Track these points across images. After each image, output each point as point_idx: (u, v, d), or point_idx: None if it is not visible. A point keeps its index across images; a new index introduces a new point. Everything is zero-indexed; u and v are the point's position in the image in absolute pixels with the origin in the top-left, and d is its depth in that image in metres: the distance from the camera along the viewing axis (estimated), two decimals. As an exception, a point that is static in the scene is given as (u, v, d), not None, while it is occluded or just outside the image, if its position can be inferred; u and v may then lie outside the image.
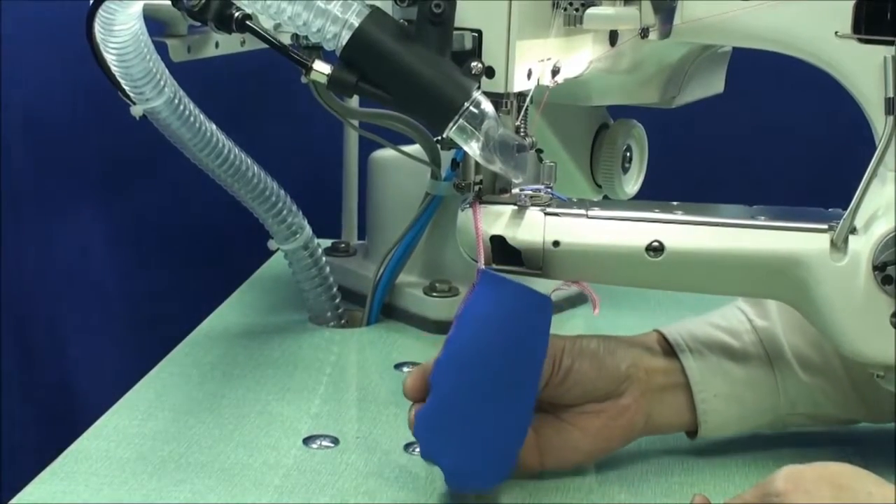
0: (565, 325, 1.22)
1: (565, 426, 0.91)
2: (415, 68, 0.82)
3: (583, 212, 0.86)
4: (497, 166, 0.83)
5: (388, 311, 1.22)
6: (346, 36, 0.82)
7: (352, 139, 1.40)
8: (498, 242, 0.86)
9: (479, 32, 0.84)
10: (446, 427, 0.84)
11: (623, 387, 0.91)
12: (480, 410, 0.83)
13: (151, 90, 1.02)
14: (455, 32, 0.83)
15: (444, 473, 0.85)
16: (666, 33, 0.89)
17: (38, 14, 1.45)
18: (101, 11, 0.92)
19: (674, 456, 0.95)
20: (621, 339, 0.94)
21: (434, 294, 1.20)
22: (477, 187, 0.87)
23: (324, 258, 1.20)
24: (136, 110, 1.03)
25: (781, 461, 0.92)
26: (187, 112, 1.05)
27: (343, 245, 1.34)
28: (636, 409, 0.91)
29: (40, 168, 1.52)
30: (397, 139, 1.16)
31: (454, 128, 0.82)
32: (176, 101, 1.04)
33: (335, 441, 0.96)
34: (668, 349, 0.94)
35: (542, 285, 0.86)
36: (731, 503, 0.77)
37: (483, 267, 0.84)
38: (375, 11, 0.83)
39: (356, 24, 0.82)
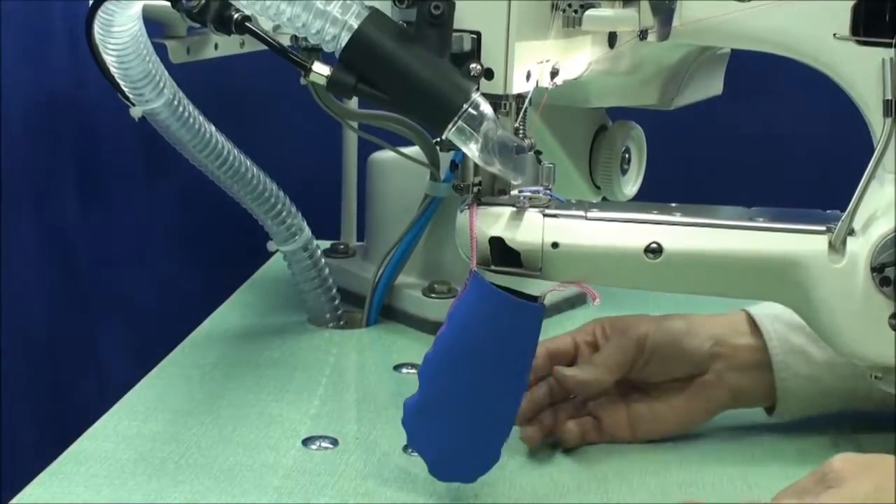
0: (565, 326, 1.21)
1: (653, 401, 0.98)
2: (414, 70, 0.82)
3: (581, 213, 0.86)
4: (496, 168, 0.83)
5: (387, 312, 1.22)
6: (345, 37, 0.82)
7: (351, 141, 1.40)
8: (497, 244, 0.86)
9: (478, 34, 0.84)
10: (430, 419, 0.86)
11: (707, 364, 0.97)
12: (463, 407, 0.85)
13: (151, 91, 1.01)
14: (454, 34, 0.83)
15: (426, 463, 0.87)
16: (665, 35, 0.89)
17: (43, 13, 1.45)
18: (100, 13, 0.92)
19: (672, 454, 0.95)
20: (707, 317, 0.99)
21: (433, 295, 1.20)
22: (476, 189, 0.86)
23: (323, 259, 1.20)
24: (136, 112, 1.02)
25: (778, 458, 0.93)
26: (186, 113, 1.05)
27: (342, 246, 1.34)
28: (719, 385, 0.97)
29: (39, 169, 1.51)
30: (396, 141, 1.16)
31: (453, 129, 0.82)
32: (175, 102, 1.04)
33: (334, 442, 0.96)
34: (755, 329, 0.98)
35: (539, 285, 0.86)
36: (787, 490, 0.79)
37: (475, 269, 0.85)
38: (374, 13, 0.83)
39: (355, 26, 0.82)
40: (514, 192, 0.86)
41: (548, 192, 0.86)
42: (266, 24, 0.88)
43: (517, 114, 0.86)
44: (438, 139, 0.83)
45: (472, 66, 0.83)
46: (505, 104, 0.85)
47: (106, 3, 0.91)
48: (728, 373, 0.97)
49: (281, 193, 1.15)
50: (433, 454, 0.87)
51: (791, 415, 0.98)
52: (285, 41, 0.94)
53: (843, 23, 0.83)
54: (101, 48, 0.96)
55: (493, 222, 0.86)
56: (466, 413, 0.85)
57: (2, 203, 1.47)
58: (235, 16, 0.85)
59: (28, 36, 1.44)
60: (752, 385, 0.97)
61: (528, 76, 0.86)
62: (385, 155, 1.23)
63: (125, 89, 1.01)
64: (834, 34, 0.84)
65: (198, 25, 0.88)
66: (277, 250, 1.18)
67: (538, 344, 0.89)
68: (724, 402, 0.98)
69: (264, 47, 0.86)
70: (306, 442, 0.96)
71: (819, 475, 0.77)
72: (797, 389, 0.97)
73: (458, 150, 0.83)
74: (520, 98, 0.86)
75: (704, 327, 0.98)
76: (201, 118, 1.07)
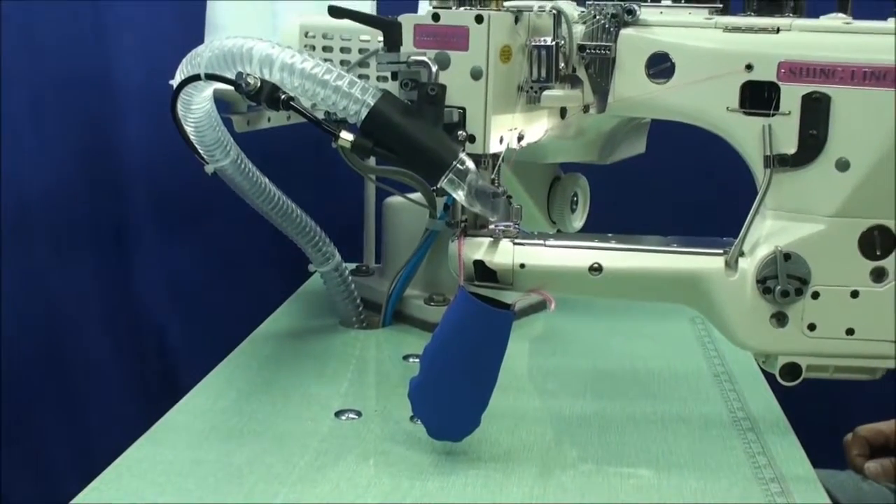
0: (530, 325, 1.22)
1: None
2: (416, 136, 0.82)
3: (542, 242, 0.87)
4: (477, 209, 0.83)
5: (399, 316, 1.22)
6: (364, 112, 0.83)
7: (370, 189, 1.40)
8: (479, 265, 0.86)
9: (464, 109, 0.84)
10: (426, 394, 0.86)
11: None
12: (449, 386, 0.85)
13: (220, 153, 1.02)
14: (446, 109, 0.84)
15: (424, 426, 0.87)
16: (602, 109, 0.89)
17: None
18: (181, 94, 0.93)
19: (612, 422, 0.95)
20: None
21: (432, 303, 1.20)
22: (463, 224, 0.87)
23: (350, 277, 1.20)
24: (209, 168, 1.03)
25: (685, 429, 0.93)
26: (247, 169, 1.06)
27: (364, 267, 1.34)
28: None
29: (149, 208, 1.51)
30: (404, 189, 1.16)
31: (445, 180, 0.82)
32: (238, 161, 1.04)
33: (359, 414, 0.96)
34: None
35: (511, 295, 0.86)
36: None
37: (462, 284, 0.85)
38: (386, 94, 0.84)
39: (372, 104, 0.83)
40: (492, 227, 0.87)
41: (517, 226, 0.87)
42: (306, 103, 0.89)
43: (493, 168, 0.87)
44: (435, 187, 0.83)
45: (460, 133, 0.84)
46: (484, 161, 0.86)
47: (186, 87, 0.91)
48: None
49: (318, 228, 1.15)
50: (429, 419, 0.87)
51: None
52: (320, 115, 0.94)
53: (734, 99, 0.84)
54: (182, 121, 0.96)
55: (476, 249, 0.86)
56: (453, 390, 0.85)
57: (102, 239, 1.47)
58: (283, 97, 0.85)
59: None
60: None
61: (501, 140, 0.87)
62: (396, 199, 1.23)
63: (201, 151, 1.01)
64: (727, 107, 0.84)
65: (255, 104, 0.89)
66: (315, 271, 1.18)
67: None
68: None
69: (305, 120, 0.86)
70: (338, 414, 0.96)
71: None
72: None
73: (449, 195, 0.84)
74: (495, 156, 0.86)
75: None
76: (258, 172, 1.07)
